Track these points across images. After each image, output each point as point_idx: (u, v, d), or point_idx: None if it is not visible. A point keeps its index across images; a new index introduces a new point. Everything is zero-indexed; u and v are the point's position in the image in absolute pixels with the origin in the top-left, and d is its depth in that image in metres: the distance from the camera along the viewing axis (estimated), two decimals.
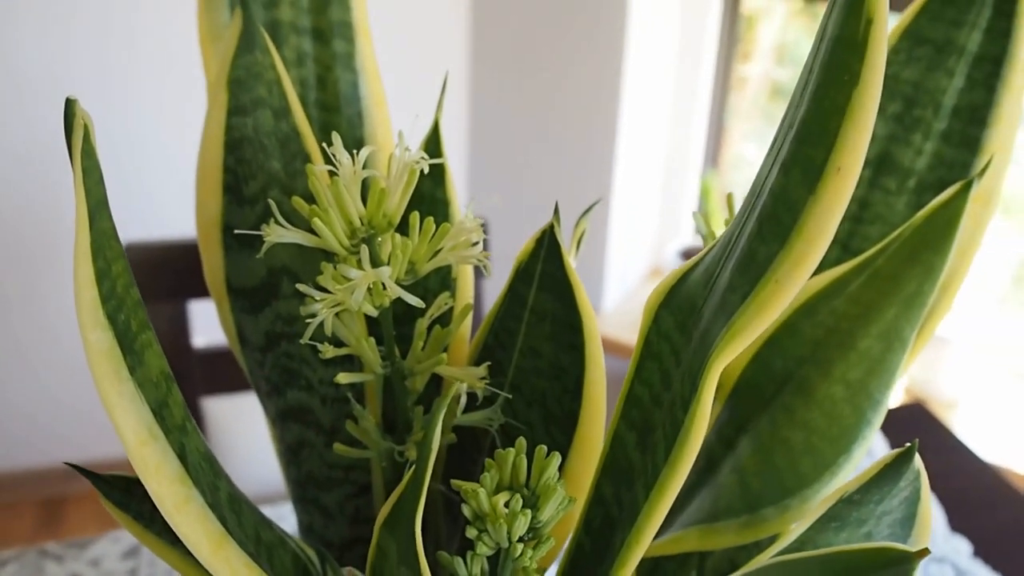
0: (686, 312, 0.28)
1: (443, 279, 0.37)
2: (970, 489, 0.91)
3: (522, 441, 0.28)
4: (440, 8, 1.71)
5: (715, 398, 0.41)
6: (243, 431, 0.93)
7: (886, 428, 1.00)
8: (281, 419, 0.37)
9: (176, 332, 0.84)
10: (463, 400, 0.35)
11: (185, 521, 0.24)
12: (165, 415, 0.25)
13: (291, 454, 0.38)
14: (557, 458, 0.28)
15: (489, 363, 0.34)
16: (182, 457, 0.25)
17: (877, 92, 0.21)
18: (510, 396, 0.35)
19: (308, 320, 0.31)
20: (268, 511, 0.83)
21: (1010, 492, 0.91)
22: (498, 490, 0.28)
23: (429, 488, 0.36)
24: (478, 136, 1.83)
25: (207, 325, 0.97)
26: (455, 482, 0.29)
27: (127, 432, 0.23)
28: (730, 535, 0.35)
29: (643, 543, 0.28)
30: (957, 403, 1.83)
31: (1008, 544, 0.84)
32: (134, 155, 1.53)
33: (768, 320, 0.24)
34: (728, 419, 0.39)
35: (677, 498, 0.41)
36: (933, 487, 0.91)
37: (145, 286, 0.82)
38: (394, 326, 0.34)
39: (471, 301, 0.36)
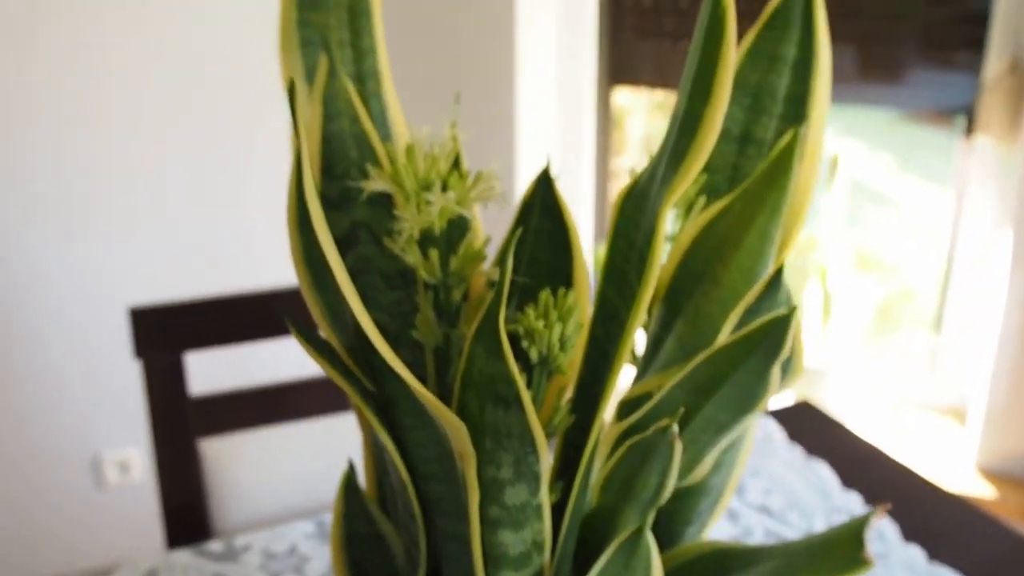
0: (640, 198, 0.46)
1: (461, 229, 0.54)
2: (852, 457, 1.11)
3: (547, 290, 0.45)
4: None
5: (652, 302, 0.58)
6: (241, 468, 1.05)
7: (782, 419, 1.20)
8: None
9: (175, 381, 0.97)
10: None
11: None
12: None
13: None
14: (573, 293, 0.45)
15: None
16: None
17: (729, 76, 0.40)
18: (528, 281, 0.52)
19: (391, 245, 0.48)
20: (267, 534, 0.95)
21: (882, 456, 1.11)
22: (536, 319, 0.45)
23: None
24: None
25: (203, 376, 1.09)
26: (512, 327, 0.45)
27: None
28: (676, 375, 0.52)
29: (628, 344, 0.45)
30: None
31: (892, 495, 1.04)
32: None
33: (693, 174, 0.42)
34: (665, 312, 0.56)
35: (636, 374, 0.59)
36: (823, 456, 1.10)
37: (150, 340, 0.96)
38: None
39: (487, 236, 0.53)
